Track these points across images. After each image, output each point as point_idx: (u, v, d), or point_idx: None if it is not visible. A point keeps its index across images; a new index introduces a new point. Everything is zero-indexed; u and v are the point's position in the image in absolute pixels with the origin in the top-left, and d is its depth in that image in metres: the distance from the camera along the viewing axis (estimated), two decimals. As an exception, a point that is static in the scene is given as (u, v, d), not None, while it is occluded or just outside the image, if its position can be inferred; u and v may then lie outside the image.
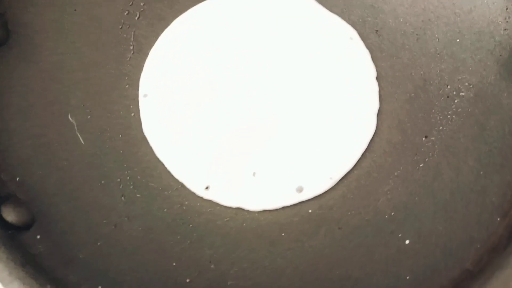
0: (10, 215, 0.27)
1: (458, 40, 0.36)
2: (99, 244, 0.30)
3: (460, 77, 0.35)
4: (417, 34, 0.37)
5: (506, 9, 0.33)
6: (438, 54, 0.36)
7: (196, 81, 0.37)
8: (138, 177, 0.34)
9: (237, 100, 0.36)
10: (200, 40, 0.38)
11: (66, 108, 0.35)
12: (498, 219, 0.29)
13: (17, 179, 0.30)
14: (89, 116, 0.35)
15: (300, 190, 0.34)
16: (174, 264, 0.31)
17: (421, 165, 0.34)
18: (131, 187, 0.34)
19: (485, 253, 0.28)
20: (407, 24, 0.38)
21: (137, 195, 0.34)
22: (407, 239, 0.31)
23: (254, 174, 0.35)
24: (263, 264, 0.32)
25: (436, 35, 0.37)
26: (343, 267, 0.32)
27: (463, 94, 0.35)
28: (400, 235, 0.32)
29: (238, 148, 0.35)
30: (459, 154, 0.33)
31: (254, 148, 0.35)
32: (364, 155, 0.35)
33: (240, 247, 0.33)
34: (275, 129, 0.36)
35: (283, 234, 0.33)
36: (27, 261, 0.25)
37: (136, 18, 0.38)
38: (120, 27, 0.38)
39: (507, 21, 0.33)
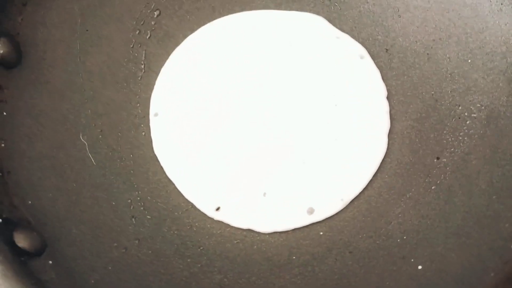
0: (22, 241, 0.26)
1: (469, 61, 0.35)
2: (110, 268, 0.30)
3: (471, 98, 0.34)
4: (428, 54, 0.36)
5: (519, 29, 0.33)
6: (449, 74, 0.35)
7: (207, 100, 0.36)
8: (148, 197, 0.34)
9: (248, 120, 0.36)
10: (210, 58, 0.38)
11: (77, 128, 0.34)
12: (512, 246, 0.28)
13: (29, 202, 0.29)
14: (100, 136, 0.34)
15: (311, 211, 0.34)
16: (185, 288, 0.31)
17: (433, 187, 0.33)
18: (142, 208, 0.33)
19: (500, 282, 0.27)
20: (418, 43, 0.37)
21: (147, 216, 0.33)
22: (419, 265, 0.30)
23: (264, 194, 0.34)
24: None
25: (447, 55, 0.36)
26: (354, 293, 0.31)
27: (474, 115, 0.34)
28: (412, 261, 0.31)
29: (249, 169, 0.34)
30: (472, 176, 0.32)
31: (265, 168, 0.34)
32: (375, 176, 0.34)
33: (250, 271, 0.32)
34: (286, 150, 0.35)
35: (293, 258, 0.33)
36: (40, 287, 0.25)
37: (147, 37, 0.38)
38: (131, 46, 0.37)
39: (519, 42, 0.32)
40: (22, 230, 0.27)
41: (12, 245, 0.26)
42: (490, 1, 0.34)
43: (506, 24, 0.33)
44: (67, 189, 0.32)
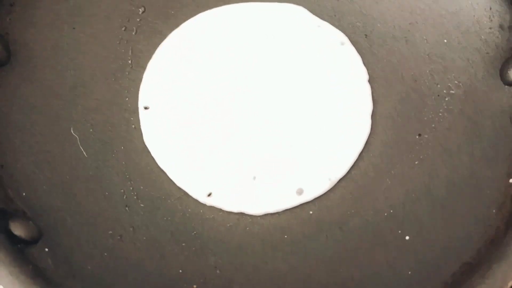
0: (18, 230, 0.27)
1: (445, 41, 0.36)
2: (105, 254, 0.30)
3: (449, 76, 0.35)
4: (405, 37, 0.37)
5: (490, 8, 0.33)
6: (427, 55, 0.36)
7: (194, 90, 0.37)
8: (141, 187, 0.34)
9: (235, 107, 0.36)
10: (196, 51, 0.38)
11: (68, 123, 0.34)
12: (494, 211, 0.29)
13: (23, 194, 0.29)
14: (91, 130, 0.35)
15: (300, 192, 0.34)
16: (180, 271, 0.31)
17: (416, 163, 0.34)
18: (135, 197, 0.34)
19: (483, 245, 0.28)
20: (396, 27, 0.38)
21: (141, 205, 0.33)
22: (406, 236, 0.31)
23: (254, 178, 0.35)
24: (267, 268, 0.32)
25: (424, 37, 0.37)
26: (345, 268, 0.31)
27: (453, 92, 0.35)
28: (399, 232, 0.31)
29: (238, 154, 0.35)
30: (453, 150, 0.33)
31: (254, 153, 0.35)
32: (360, 155, 0.35)
33: (244, 252, 0.33)
34: (273, 134, 0.35)
35: (285, 237, 0.33)
36: (37, 274, 0.25)
37: (133, 33, 0.38)
38: (118, 42, 0.38)
39: (491, 20, 0.33)
40: (17, 219, 0.27)
41: (8, 233, 0.26)
42: (463, -17, 0.35)
43: (478, 4, 0.34)
44: (61, 181, 0.32)
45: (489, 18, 0.34)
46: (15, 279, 0.24)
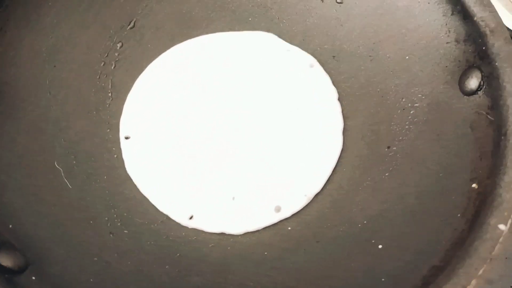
0: (5, 260, 0.28)
1: (407, 57, 0.38)
2: (91, 280, 0.31)
3: (413, 90, 0.37)
4: (370, 56, 0.39)
5: (446, 24, 0.35)
6: (391, 71, 0.38)
7: (173, 118, 0.39)
8: (125, 214, 0.35)
9: (212, 132, 0.38)
10: (172, 81, 0.40)
11: (52, 157, 0.36)
12: (459, 215, 0.30)
13: (10, 226, 0.31)
14: (74, 162, 0.36)
15: (278, 209, 0.36)
16: (165, 292, 0.32)
17: (387, 174, 0.35)
18: (119, 224, 0.35)
19: (450, 248, 0.29)
20: (361, 47, 0.40)
21: (125, 231, 0.35)
22: (380, 244, 0.32)
23: (233, 198, 0.36)
24: (250, 284, 0.33)
25: (388, 54, 0.39)
26: (324, 278, 0.32)
27: (417, 105, 0.36)
28: (373, 241, 0.32)
29: (217, 176, 0.36)
30: (420, 159, 0.34)
31: (232, 174, 0.36)
32: (334, 170, 0.37)
33: (226, 270, 0.34)
34: (250, 155, 0.37)
35: (266, 253, 0.34)
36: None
37: (112, 67, 0.40)
38: (97, 77, 0.40)
39: (448, 35, 0.35)
40: (4, 250, 0.28)
41: (-4, 264, 0.27)
42: (419, 2, 0.37)
43: (435, 21, 0.36)
44: (46, 212, 0.33)
45: (446, 33, 0.35)
46: (3, 307, 0.25)
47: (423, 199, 0.33)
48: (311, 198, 0.36)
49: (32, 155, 0.35)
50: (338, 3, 0.40)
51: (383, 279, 0.30)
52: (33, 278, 0.28)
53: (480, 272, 0.26)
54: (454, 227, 0.29)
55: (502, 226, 0.27)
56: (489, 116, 0.32)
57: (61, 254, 0.31)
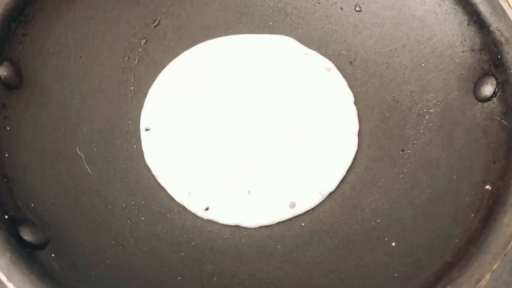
0: (27, 235, 0.28)
1: (423, 65, 0.39)
2: (108, 262, 0.31)
3: (427, 96, 0.38)
4: (386, 62, 0.40)
5: (462, 34, 0.36)
6: (406, 78, 0.39)
7: (192, 113, 0.39)
8: (142, 202, 0.36)
9: (230, 128, 0.39)
10: (193, 78, 0.41)
11: (74, 143, 0.36)
12: (472, 215, 0.30)
13: (32, 205, 0.31)
14: (95, 149, 0.37)
15: (292, 205, 0.36)
16: (179, 278, 0.32)
17: (400, 176, 0.36)
18: (136, 211, 0.35)
19: (463, 245, 0.29)
20: (377, 54, 0.41)
21: (142, 219, 0.35)
22: (393, 242, 0.33)
23: (249, 192, 0.36)
24: (261, 275, 0.33)
25: (403, 62, 0.40)
26: (335, 273, 0.33)
27: (431, 110, 0.37)
28: (386, 239, 0.33)
29: (234, 170, 0.37)
30: (433, 162, 0.35)
31: (249, 168, 0.37)
32: (349, 170, 0.37)
33: (239, 261, 0.34)
34: (268, 151, 0.38)
35: (279, 247, 0.35)
36: (45, 274, 0.26)
37: (136, 62, 0.41)
38: (121, 70, 0.41)
39: (463, 44, 0.36)
40: (27, 226, 0.29)
41: (18, 237, 0.28)
42: (436, 12, 0.38)
43: (451, 30, 0.37)
44: (66, 195, 0.34)
45: (461, 42, 0.36)
46: (26, 278, 0.25)
47: (435, 201, 0.33)
48: (325, 196, 0.36)
49: (54, 141, 0.36)
50: (356, 11, 0.42)
51: (396, 275, 0.30)
52: (53, 255, 0.29)
53: (494, 267, 0.26)
54: (467, 226, 0.30)
55: (515, 224, 0.27)
56: (503, 121, 0.32)
57: (79, 236, 0.32)
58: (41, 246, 0.29)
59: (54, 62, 0.38)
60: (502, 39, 0.33)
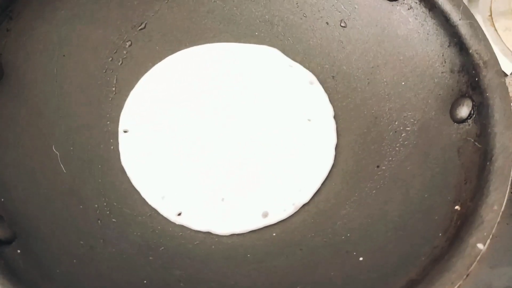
0: (-6, 230, 0.28)
1: (403, 83, 0.39)
2: (75, 261, 0.31)
3: (406, 114, 0.38)
4: (368, 79, 0.41)
5: (442, 55, 0.37)
6: (386, 95, 0.39)
7: (171, 118, 0.39)
8: (115, 203, 0.36)
9: (208, 135, 0.38)
10: (175, 83, 0.41)
11: (51, 140, 0.36)
12: (440, 234, 0.30)
13: (2, 200, 0.31)
14: (71, 148, 0.37)
15: (265, 215, 0.36)
16: (145, 281, 0.32)
17: (374, 192, 0.36)
18: (108, 212, 0.35)
19: (429, 263, 0.29)
20: (359, 70, 0.41)
21: (113, 220, 0.35)
22: (361, 257, 0.33)
23: (223, 200, 0.36)
24: (229, 283, 0.33)
25: (384, 79, 0.40)
26: (303, 285, 0.33)
27: (408, 128, 0.37)
28: (354, 253, 0.33)
29: (209, 177, 0.37)
30: (407, 179, 0.35)
31: (224, 176, 0.37)
32: (323, 183, 0.37)
33: (208, 268, 0.34)
34: (243, 160, 0.38)
35: (248, 256, 0.34)
36: (9, 270, 0.26)
37: (119, 63, 0.41)
38: (104, 71, 0.41)
39: (443, 65, 0.37)
40: (-7, 221, 0.29)
41: (-16, 233, 0.28)
42: (418, 32, 0.38)
43: (432, 51, 0.37)
44: (38, 192, 0.33)
45: (442, 63, 0.37)
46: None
47: (406, 217, 0.33)
48: (298, 208, 0.36)
49: (31, 137, 0.35)
50: (342, 26, 0.42)
51: (361, 289, 0.30)
52: (18, 251, 0.29)
53: (456, 287, 0.26)
54: (435, 244, 0.30)
55: (480, 245, 0.27)
56: (476, 143, 0.33)
57: (47, 233, 0.32)
58: (7, 242, 0.28)
59: (37, 59, 0.38)
60: (480, 62, 0.34)
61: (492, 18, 0.55)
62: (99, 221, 0.34)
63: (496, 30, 0.54)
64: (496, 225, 0.28)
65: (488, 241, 0.27)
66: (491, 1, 0.56)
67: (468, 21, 0.35)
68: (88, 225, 0.34)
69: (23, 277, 0.27)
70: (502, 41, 0.52)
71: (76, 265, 0.31)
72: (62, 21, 0.40)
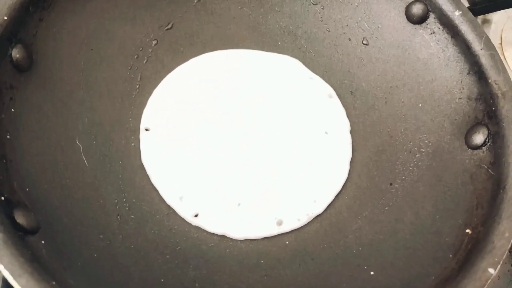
0: (21, 218, 0.28)
1: (420, 105, 0.40)
2: (95, 255, 0.32)
3: (421, 136, 0.39)
4: (385, 98, 0.42)
5: (461, 81, 0.38)
6: (403, 115, 0.41)
7: (193, 119, 0.40)
8: (133, 200, 0.36)
9: (229, 139, 0.39)
10: (198, 85, 0.42)
11: (74, 133, 0.37)
12: (450, 255, 0.32)
13: (27, 189, 0.31)
14: (94, 142, 0.37)
15: (280, 223, 0.37)
16: (162, 280, 0.33)
17: (386, 208, 0.37)
18: (127, 208, 0.36)
19: (439, 283, 0.30)
20: (378, 88, 0.42)
21: (132, 216, 0.35)
22: (371, 271, 0.34)
23: (239, 205, 0.37)
24: (241, 287, 0.34)
25: (402, 100, 0.41)
26: (314, 294, 0.34)
27: (423, 150, 0.39)
28: (365, 267, 0.34)
29: (227, 181, 0.38)
30: (419, 200, 0.36)
31: (242, 182, 0.38)
32: (337, 196, 0.38)
33: (222, 270, 0.34)
34: (261, 168, 0.38)
35: (262, 261, 0.35)
36: (34, 259, 0.27)
37: (144, 62, 0.42)
38: (129, 68, 0.41)
39: (461, 91, 0.38)
40: (20, 210, 0.29)
41: (12, 219, 0.28)
42: (439, 57, 0.40)
43: (451, 77, 0.39)
44: (60, 184, 0.34)
45: (460, 89, 0.38)
46: (15, 260, 0.26)
47: (417, 237, 0.35)
48: (311, 218, 0.37)
49: (56, 128, 0.36)
50: (364, 44, 0.43)
51: (371, 304, 0.31)
52: (43, 242, 0.29)
53: (466, 309, 0.28)
54: (445, 265, 0.31)
55: (491, 270, 0.29)
56: (490, 171, 0.34)
57: (69, 225, 0.32)
58: (33, 231, 0.29)
59: (65, 51, 0.38)
60: (499, 93, 0.35)
61: (502, 47, 0.57)
62: (118, 217, 0.35)
63: (505, 58, 0.56)
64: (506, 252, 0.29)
65: (499, 267, 0.28)
66: (502, 30, 0.58)
67: (490, 52, 0.36)
68: (108, 220, 0.34)
69: (48, 267, 0.27)
70: (511, 70, 0.54)
71: (95, 259, 0.31)
72: (92, 15, 0.40)
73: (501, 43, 0.57)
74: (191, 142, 0.39)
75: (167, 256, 0.34)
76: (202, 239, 0.36)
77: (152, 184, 0.37)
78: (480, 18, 0.53)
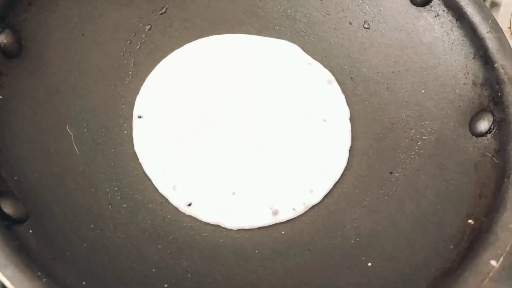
0: (8, 207, 0.28)
1: (423, 91, 0.39)
2: (85, 245, 0.31)
3: (423, 123, 0.38)
4: (387, 84, 0.41)
5: (466, 66, 0.37)
6: (405, 101, 0.40)
7: (187, 107, 0.39)
8: (126, 189, 0.36)
9: (223, 127, 0.39)
10: (193, 71, 0.41)
11: (65, 120, 0.36)
12: (452, 247, 0.31)
13: (15, 177, 0.31)
14: (85, 130, 0.37)
15: (275, 212, 0.36)
16: (153, 270, 0.32)
17: (385, 198, 0.36)
18: (119, 197, 0.35)
19: (439, 275, 0.30)
20: (379, 74, 0.41)
21: (123, 205, 0.35)
22: (369, 262, 0.33)
23: (234, 193, 0.36)
24: (235, 277, 0.33)
25: (404, 85, 0.40)
26: (309, 285, 0.33)
27: (425, 137, 0.38)
28: (363, 259, 0.33)
29: (221, 169, 0.37)
30: (420, 189, 0.35)
31: (236, 170, 0.37)
32: (335, 185, 0.38)
33: (215, 260, 0.34)
34: (257, 155, 0.38)
35: (256, 252, 0.35)
36: (21, 250, 0.26)
37: (138, 47, 0.41)
38: (122, 54, 0.41)
39: (466, 77, 0.37)
40: (8, 198, 0.29)
41: (-1, 209, 0.28)
42: (443, 41, 0.39)
43: (455, 61, 0.38)
44: (51, 172, 0.33)
45: (464, 74, 0.37)
46: (0, 250, 0.25)
47: (417, 227, 0.34)
48: (308, 208, 0.37)
49: (46, 114, 0.35)
50: (365, 28, 0.42)
51: (368, 296, 0.30)
52: (30, 231, 0.29)
53: (467, 301, 0.27)
54: (446, 257, 0.31)
55: (493, 262, 0.28)
56: (494, 159, 0.33)
57: (59, 214, 0.32)
58: (20, 221, 0.28)
59: (57, 36, 0.38)
60: (505, 78, 0.34)
61: (511, 31, 0.55)
62: (110, 206, 0.34)
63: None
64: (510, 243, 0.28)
65: (502, 259, 0.28)
66: (512, 13, 0.56)
67: (497, 35, 0.35)
68: (99, 209, 0.34)
69: (36, 258, 0.27)
70: (520, 54, 0.52)
71: (86, 248, 0.31)
72: (84, -1, 0.39)
73: (510, 27, 0.55)
74: (184, 130, 0.38)
75: (160, 246, 0.33)
76: (196, 228, 0.35)
77: (144, 173, 0.37)
78: (488, 0, 0.52)
